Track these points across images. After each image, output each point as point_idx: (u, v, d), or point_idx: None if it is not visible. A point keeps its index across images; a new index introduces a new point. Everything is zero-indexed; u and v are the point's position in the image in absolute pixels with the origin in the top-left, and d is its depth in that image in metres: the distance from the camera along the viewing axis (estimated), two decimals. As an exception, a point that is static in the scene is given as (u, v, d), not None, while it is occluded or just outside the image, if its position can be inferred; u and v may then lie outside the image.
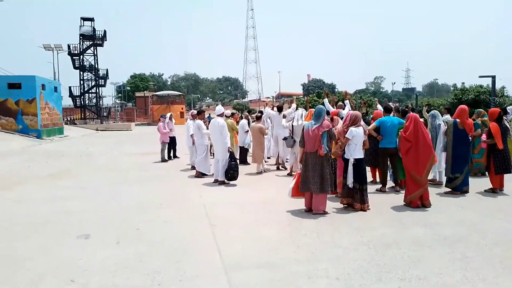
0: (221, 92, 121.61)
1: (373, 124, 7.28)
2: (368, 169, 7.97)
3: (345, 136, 5.71)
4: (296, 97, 62.28)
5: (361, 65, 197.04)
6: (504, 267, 3.75)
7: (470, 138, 7.13)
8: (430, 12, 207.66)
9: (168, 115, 12.92)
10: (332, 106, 9.38)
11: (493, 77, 18.88)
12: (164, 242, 4.60)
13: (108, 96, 66.78)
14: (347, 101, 9.97)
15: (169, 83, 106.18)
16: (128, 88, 75.53)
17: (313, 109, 6.15)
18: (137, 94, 67.31)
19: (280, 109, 10.36)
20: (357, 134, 5.65)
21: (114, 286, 3.44)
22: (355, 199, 5.75)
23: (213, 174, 8.53)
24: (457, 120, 6.97)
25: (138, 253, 4.24)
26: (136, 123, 47.52)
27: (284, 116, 9.93)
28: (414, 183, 6.00)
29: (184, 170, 10.32)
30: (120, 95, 74.32)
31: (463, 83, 26.42)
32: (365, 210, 5.74)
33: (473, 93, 20.58)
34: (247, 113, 15.62)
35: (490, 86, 19.84)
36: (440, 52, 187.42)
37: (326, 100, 9.62)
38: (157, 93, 61.17)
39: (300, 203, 5.96)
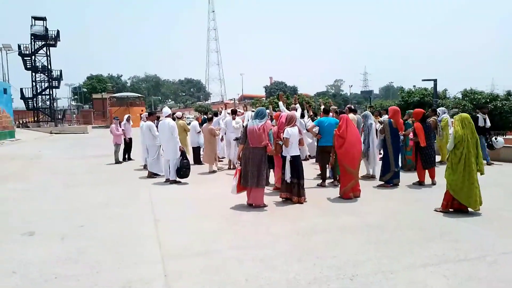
0: (183, 94, 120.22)
1: (313, 124, 7.84)
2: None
3: (283, 136, 6.17)
4: (257, 99, 62.87)
5: (322, 68, 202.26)
6: (411, 246, 4.31)
7: (401, 136, 7.85)
8: (387, 17, 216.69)
9: (126, 117, 12.97)
10: (286, 108, 9.92)
11: (435, 81, 20.35)
12: (107, 237, 4.82)
13: (64, 98, 64.43)
14: (297, 105, 10.78)
15: (128, 84, 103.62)
16: (85, 89, 73.07)
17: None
18: (95, 95, 65.44)
19: (234, 113, 10.75)
20: (293, 133, 6.13)
21: (54, 275, 3.65)
22: (292, 193, 6.22)
23: (153, 173, 9.06)
24: (392, 120, 7.65)
25: (80, 247, 4.44)
26: (93, 126, 46.33)
27: (234, 118, 10.37)
28: (347, 176, 6.58)
29: (138, 170, 10.44)
30: (76, 97, 71.81)
31: (414, 85, 27.96)
32: (301, 203, 6.22)
33: (418, 95, 22.01)
34: (197, 115, 15.86)
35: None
36: (396, 56, 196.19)
37: (280, 103, 10.17)
38: (115, 94, 59.78)
39: (244, 199, 6.33)
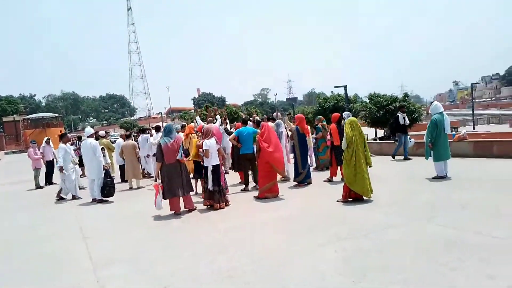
0: (106, 110, 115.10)
1: (233, 135, 8.56)
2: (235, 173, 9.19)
3: (203, 148, 6.74)
4: (186, 112, 62.28)
5: (248, 78, 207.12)
6: (313, 231, 5.13)
7: (307, 140, 8.84)
8: (307, 24, 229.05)
9: (45, 139, 12.51)
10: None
11: (345, 87, 22.36)
12: (39, 257, 5.00)
13: (-32, 123, 58.26)
14: (218, 116, 11.41)
15: (43, 104, 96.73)
16: (-7, 113, 66.74)
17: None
18: (5, 118, 60.18)
19: (157, 129, 11.12)
20: (211, 144, 6.73)
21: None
22: (215, 200, 6.78)
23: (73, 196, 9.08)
24: (298, 126, 8.62)
25: (12, 269, 4.60)
26: (6, 151, 42.66)
27: (151, 135, 10.86)
28: (267, 177, 7.36)
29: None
30: (-17, 121, 65.22)
31: (332, 91, 29.99)
32: (223, 208, 6.82)
33: (332, 101, 24.01)
34: (123, 133, 15.81)
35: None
36: (317, 63, 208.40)
37: (197, 118, 10.77)
38: (29, 116, 55.71)
39: (168, 210, 6.75)
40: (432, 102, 8.61)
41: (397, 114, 12.04)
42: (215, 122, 10.46)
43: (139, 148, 10.82)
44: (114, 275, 4.14)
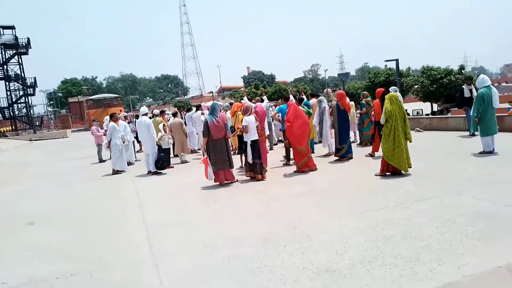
0: (161, 90, 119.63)
1: (275, 111, 8.89)
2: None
3: (242, 124, 7.17)
4: (235, 90, 63.28)
5: (299, 54, 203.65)
6: (346, 202, 5.40)
7: (349, 116, 8.91)
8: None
9: (107, 117, 13.67)
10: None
11: (397, 60, 21.58)
12: (99, 221, 5.77)
13: (39, 104, 64.04)
14: (264, 97, 11.91)
15: (104, 85, 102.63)
16: (60, 94, 72.30)
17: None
18: (71, 99, 65.04)
19: (197, 108, 11.85)
20: (250, 121, 7.14)
21: (62, 251, 4.61)
22: (255, 172, 7.25)
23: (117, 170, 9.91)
24: (339, 102, 8.71)
25: (77, 231, 5.38)
26: (73, 130, 46.30)
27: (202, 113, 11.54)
28: (299, 154, 7.64)
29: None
30: (52, 102, 71.05)
31: (386, 65, 29.03)
32: (265, 178, 7.26)
33: (383, 75, 23.28)
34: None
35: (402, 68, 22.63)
36: (370, 36, 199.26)
37: (245, 98, 11.25)
38: (92, 97, 59.67)
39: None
40: (479, 75, 8.26)
41: (462, 87, 11.33)
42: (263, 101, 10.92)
43: (185, 125, 11.57)
44: (164, 235, 4.75)
